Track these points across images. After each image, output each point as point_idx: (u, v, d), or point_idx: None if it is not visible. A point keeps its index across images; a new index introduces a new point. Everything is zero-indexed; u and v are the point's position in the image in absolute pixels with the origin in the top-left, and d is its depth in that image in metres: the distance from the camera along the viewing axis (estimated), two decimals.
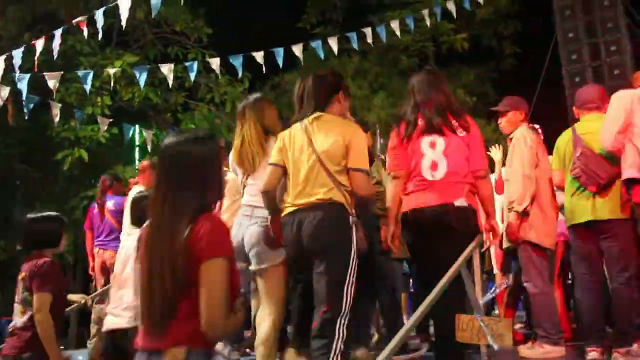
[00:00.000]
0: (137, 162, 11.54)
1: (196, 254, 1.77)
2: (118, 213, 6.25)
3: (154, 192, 1.92)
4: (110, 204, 6.37)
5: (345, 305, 2.93)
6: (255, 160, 3.46)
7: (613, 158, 3.67)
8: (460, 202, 3.21)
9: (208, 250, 1.77)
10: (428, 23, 8.76)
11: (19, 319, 3.19)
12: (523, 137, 4.16)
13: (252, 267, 3.34)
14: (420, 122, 3.35)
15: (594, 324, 3.70)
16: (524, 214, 4.02)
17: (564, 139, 4.03)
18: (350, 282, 2.97)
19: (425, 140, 3.32)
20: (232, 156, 3.66)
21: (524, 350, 4.01)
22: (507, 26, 13.99)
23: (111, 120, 8.05)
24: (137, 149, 11.59)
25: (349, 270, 2.98)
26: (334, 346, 2.85)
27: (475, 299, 2.62)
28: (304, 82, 3.36)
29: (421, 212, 3.22)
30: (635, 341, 3.59)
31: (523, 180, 4.02)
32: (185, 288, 1.77)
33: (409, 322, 2.21)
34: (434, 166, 3.28)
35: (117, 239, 6.26)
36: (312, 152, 3.12)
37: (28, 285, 3.14)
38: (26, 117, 6.77)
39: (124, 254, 3.77)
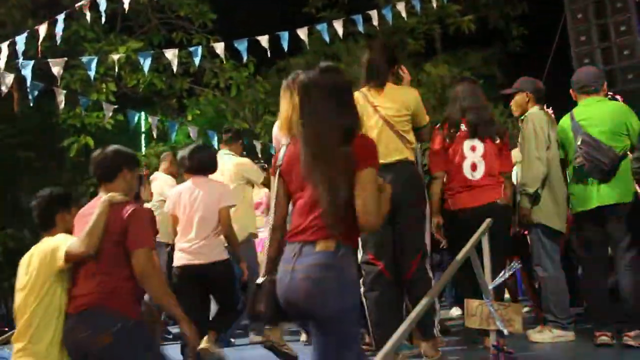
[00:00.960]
0: (143, 148, 11.52)
1: (355, 168, 2.13)
2: None
3: (306, 119, 2.22)
4: None
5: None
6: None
7: (614, 143, 3.65)
8: (501, 200, 3.80)
9: (363, 162, 2.13)
10: (435, 5, 8.66)
11: None
12: (534, 118, 4.11)
13: None
14: (463, 126, 3.88)
15: (602, 308, 3.68)
16: (535, 197, 3.98)
17: (564, 126, 3.98)
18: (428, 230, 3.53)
19: (467, 144, 3.86)
20: (279, 125, 3.81)
21: (533, 334, 3.99)
22: (514, 7, 13.84)
23: (116, 106, 8.01)
24: (142, 135, 11.56)
25: (427, 219, 3.56)
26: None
27: (485, 284, 2.59)
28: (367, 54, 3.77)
29: (471, 211, 3.73)
30: None
31: (534, 163, 3.98)
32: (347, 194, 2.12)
33: (419, 305, 2.19)
34: (473, 167, 3.85)
35: None
36: (379, 117, 3.55)
37: None
38: (31, 104, 6.74)
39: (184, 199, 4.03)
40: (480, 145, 3.86)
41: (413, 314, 2.02)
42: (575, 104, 4.03)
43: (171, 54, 7.09)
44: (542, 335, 3.96)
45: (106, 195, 2.85)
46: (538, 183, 3.97)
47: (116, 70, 8.18)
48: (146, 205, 5.51)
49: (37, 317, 2.75)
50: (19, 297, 2.85)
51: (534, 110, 4.20)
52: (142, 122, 10.44)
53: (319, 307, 2.08)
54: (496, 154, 3.87)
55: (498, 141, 3.88)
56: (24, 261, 2.90)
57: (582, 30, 9.52)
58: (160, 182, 5.94)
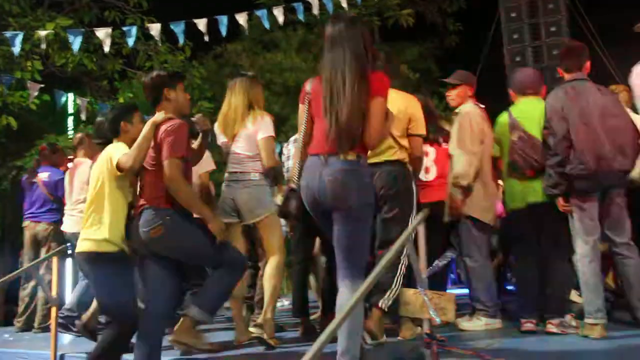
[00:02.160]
0: (70, 131, 11.05)
1: (368, 96, 2.71)
2: (52, 185, 5.98)
3: (331, 59, 2.82)
4: (44, 175, 6.07)
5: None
6: (235, 127, 3.98)
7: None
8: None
9: (375, 92, 2.72)
10: None
11: None
12: (469, 112, 4.18)
13: (250, 222, 3.91)
14: None
15: (530, 298, 3.81)
16: (467, 189, 4.06)
17: (501, 123, 4.06)
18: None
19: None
20: (218, 121, 4.12)
21: (463, 323, 4.09)
22: (451, 3, 14.10)
23: (42, 86, 7.60)
24: (70, 117, 11.06)
25: (412, 214, 3.62)
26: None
27: (419, 273, 2.61)
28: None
29: (422, 206, 3.79)
30: (566, 312, 3.73)
31: (468, 156, 4.05)
32: (362, 117, 2.71)
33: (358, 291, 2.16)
34: (427, 170, 4.31)
35: (50, 211, 5.98)
36: None
37: None
38: None
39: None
40: (431, 151, 4.36)
41: (352, 300, 2.00)
42: (506, 97, 4.13)
43: (103, 33, 6.82)
44: (471, 323, 4.07)
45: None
46: (471, 176, 4.05)
47: (43, 47, 7.75)
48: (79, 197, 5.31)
49: (102, 210, 3.35)
50: (89, 194, 3.47)
51: (470, 104, 4.28)
52: (70, 104, 9.97)
53: (343, 202, 2.69)
54: (446, 156, 4.25)
55: (444, 145, 4.32)
56: (95, 164, 3.53)
57: (515, 29, 9.85)
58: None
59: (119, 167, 3.32)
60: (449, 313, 2.60)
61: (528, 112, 3.91)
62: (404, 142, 3.70)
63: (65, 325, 5.10)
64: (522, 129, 3.83)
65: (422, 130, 3.75)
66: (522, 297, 3.88)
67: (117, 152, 3.38)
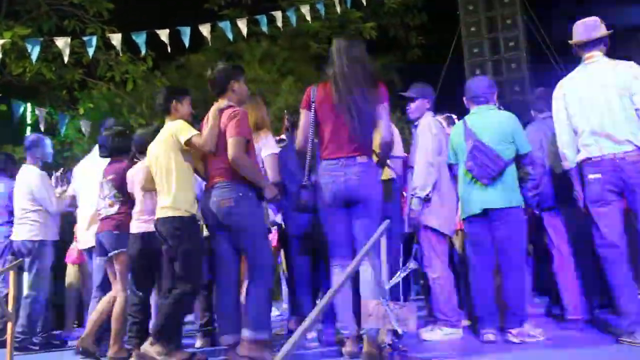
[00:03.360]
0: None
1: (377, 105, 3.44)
2: (6, 197, 5.80)
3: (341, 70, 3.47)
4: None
5: None
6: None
7: (502, 151, 3.85)
8: None
9: (382, 99, 3.45)
10: (338, 9, 8.78)
11: (110, 209, 4.32)
12: (428, 124, 4.25)
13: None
14: None
15: (488, 307, 3.85)
16: (425, 200, 4.11)
17: (457, 132, 4.14)
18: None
19: None
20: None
21: (424, 333, 4.12)
22: (414, 17, 14.33)
23: None
24: (28, 127, 10.79)
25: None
26: None
27: (381, 283, 2.63)
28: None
29: None
30: (525, 321, 3.79)
31: (426, 168, 4.11)
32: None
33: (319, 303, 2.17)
34: None
35: (8, 222, 5.79)
36: None
37: (117, 184, 4.29)
38: None
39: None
40: None
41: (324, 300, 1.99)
42: (466, 110, 4.21)
43: (62, 43, 6.70)
44: (432, 334, 4.10)
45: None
46: (429, 188, 4.11)
47: (0, 56, 7.56)
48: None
49: (172, 180, 3.70)
50: (156, 167, 3.80)
51: (429, 117, 4.34)
52: (28, 114, 9.74)
53: (365, 195, 3.41)
54: None
55: None
56: (153, 144, 3.87)
57: (475, 43, 10.07)
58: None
59: (190, 144, 3.66)
60: (411, 323, 2.62)
61: (480, 120, 3.99)
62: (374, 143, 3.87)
63: (21, 346, 4.97)
64: (476, 138, 3.91)
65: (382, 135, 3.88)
66: (480, 307, 3.91)
67: (181, 129, 3.71)
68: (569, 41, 3.87)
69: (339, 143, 3.46)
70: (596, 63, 3.74)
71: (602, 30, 3.77)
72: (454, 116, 5.10)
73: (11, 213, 5.76)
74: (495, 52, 9.98)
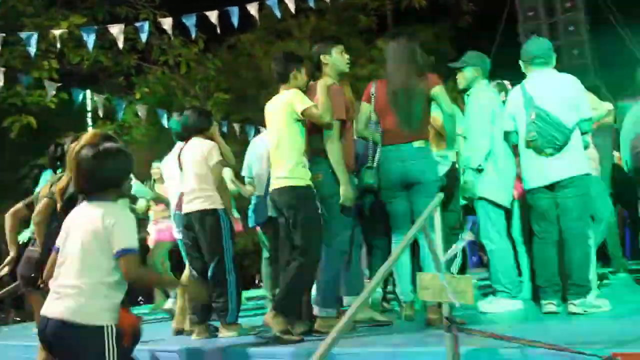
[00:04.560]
0: (89, 128, 11.16)
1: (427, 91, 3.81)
2: None
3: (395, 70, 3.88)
4: None
5: None
6: None
7: (566, 118, 3.69)
8: None
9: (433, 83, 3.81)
10: None
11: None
12: (478, 93, 4.15)
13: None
14: None
15: (551, 277, 3.77)
16: (479, 171, 4.03)
17: (514, 98, 3.94)
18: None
19: None
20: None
21: (484, 305, 4.07)
22: None
23: (59, 84, 7.70)
24: (88, 114, 11.18)
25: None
26: None
27: (437, 257, 2.61)
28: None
29: None
30: (588, 292, 3.70)
31: (478, 138, 4.02)
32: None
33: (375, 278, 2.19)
34: None
35: None
36: None
37: None
38: None
39: None
40: None
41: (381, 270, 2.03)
42: (523, 76, 4.04)
43: (117, 30, 6.87)
44: (492, 306, 4.05)
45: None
46: (482, 158, 4.02)
47: (58, 46, 7.84)
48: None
49: (286, 150, 3.72)
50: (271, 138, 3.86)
51: (480, 85, 4.23)
52: (88, 101, 10.08)
53: (423, 176, 3.75)
54: None
55: None
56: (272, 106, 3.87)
57: (529, 6, 9.72)
58: None
59: (306, 114, 3.66)
60: (468, 296, 2.59)
61: (541, 86, 3.79)
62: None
63: None
64: (537, 106, 3.71)
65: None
66: (543, 278, 3.83)
67: (298, 99, 3.69)
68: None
69: (396, 132, 3.83)
70: None
71: None
72: (507, 82, 4.93)
73: None
74: (551, 15, 9.59)
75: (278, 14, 7.53)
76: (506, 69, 5.31)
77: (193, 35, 7.65)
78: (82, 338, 2.38)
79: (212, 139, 4.30)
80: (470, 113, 4.13)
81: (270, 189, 3.84)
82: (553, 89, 3.74)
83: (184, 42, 11.19)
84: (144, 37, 7.31)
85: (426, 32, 13.94)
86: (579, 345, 2.45)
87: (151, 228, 6.12)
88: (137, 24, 7.54)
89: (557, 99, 3.72)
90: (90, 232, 2.41)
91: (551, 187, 3.77)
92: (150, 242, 6.17)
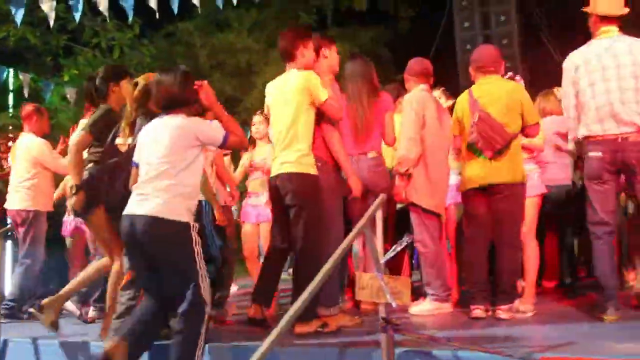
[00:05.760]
0: (10, 108, 10.57)
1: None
2: None
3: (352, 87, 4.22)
4: None
5: None
6: None
7: (509, 123, 3.79)
8: None
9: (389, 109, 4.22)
10: None
11: None
12: (409, 100, 4.22)
13: None
14: None
15: (480, 283, 3.86)
16: (407, 176, 4.09)
17: (462, 102, 4.05)
18: None
19: None
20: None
21: (413, 307, 4.14)
22: None
23: None
24: (11, 94, 10.58)
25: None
26: None
27: (377, 258, 2.62)
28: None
29: None
30: (515, 298, 3.82)
31: (408, 143, 4.08)
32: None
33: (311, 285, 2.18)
34: None
35: None
36: None
37: None
38: None
39: None
40: None
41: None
42: (457, 84, 4.15)
43: (47, 7, 6.49)
44: (421, 307, 4.12)
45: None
46: (410, 163, 4.08)
47: None
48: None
49: (297, 134, 3.59)
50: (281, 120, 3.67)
51: (415, 90, 4.29)
52: (11, 79, 9.53)
53: (376, 185, 4.00)
54: None
55: None
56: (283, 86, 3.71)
57: (466, 17, 10.01)
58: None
59: (328, 105, 3.58)
60: (404, 297, 2.62)
61: (487, 91, 3.88)
62: None
63: (9, 314, 4.93)
64: (481, 109, 3.81)
65: None
66: (472, 282, 3.91)
67: (320, 86, 3.58)
68: (585, 9, 3.70)
69: (353, 142, 4.11)
70: (611, 39, 3.58)
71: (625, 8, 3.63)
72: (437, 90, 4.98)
73: None
74: (486, 26, 9.93)
75: (220, 4, 7.38)
76: (441, 76, 5.41)
77: (129, 20, 7.37)
78: (173, 232, 2.82)
79: None
80: (403, 118, 4.21)
81: (273, 173, 3.65)
82: (499, 95, 3.84)
83: (119, 26, 10.78)
84: (77, 16, 6.96)
85: (365, 34, 14.04)
86: (508, 349, 2.53)
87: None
88: (70, 2, 7.18)
89: (502, 104, 3.81)
90: (175, 136, 2.92)
91: (486, 190, 3.86)
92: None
